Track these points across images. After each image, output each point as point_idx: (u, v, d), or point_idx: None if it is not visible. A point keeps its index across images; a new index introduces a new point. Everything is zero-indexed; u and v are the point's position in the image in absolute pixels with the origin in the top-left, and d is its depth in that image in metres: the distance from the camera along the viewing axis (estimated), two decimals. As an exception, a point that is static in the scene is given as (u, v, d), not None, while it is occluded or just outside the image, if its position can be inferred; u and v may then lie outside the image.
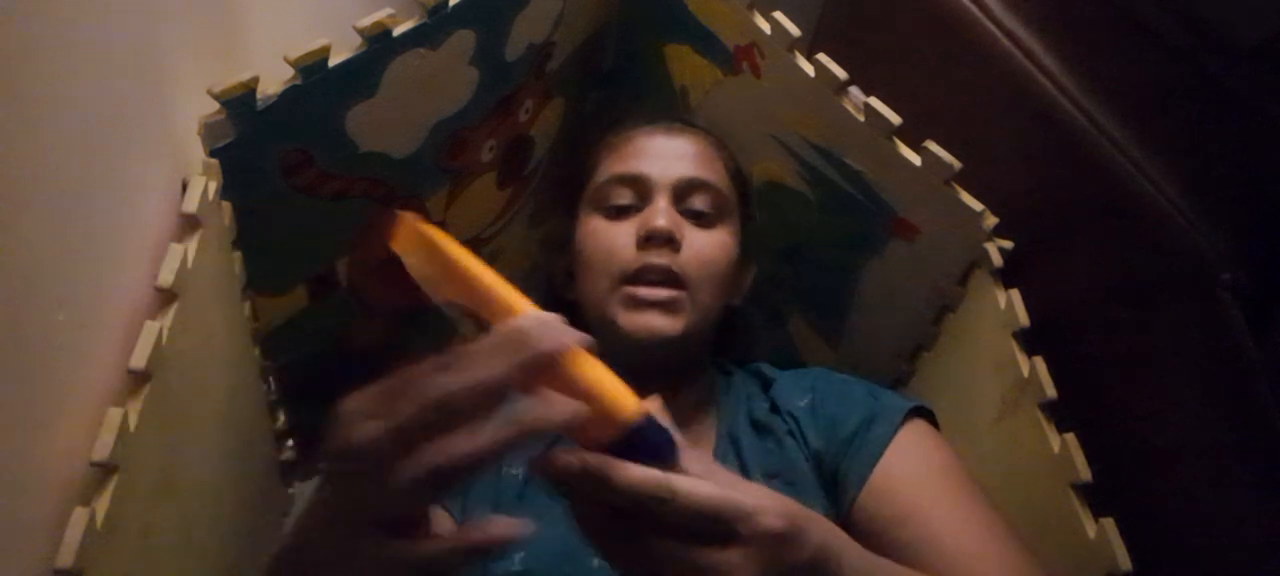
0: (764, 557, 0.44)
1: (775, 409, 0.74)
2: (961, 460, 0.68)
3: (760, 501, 0.44)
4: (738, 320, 0.83)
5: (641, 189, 0.74)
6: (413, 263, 0.59)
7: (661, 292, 0.70)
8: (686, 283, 0.70)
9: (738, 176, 0.79)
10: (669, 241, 0.70)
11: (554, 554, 0.67)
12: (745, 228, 0.78)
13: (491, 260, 0.86)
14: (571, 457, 0.43)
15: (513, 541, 0.42)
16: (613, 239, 0.73)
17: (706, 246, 0.72)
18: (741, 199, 0.79)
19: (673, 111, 0.84)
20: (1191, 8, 0.60)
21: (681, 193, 0.73)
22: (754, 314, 0.89)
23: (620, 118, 0.82)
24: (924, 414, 0.71)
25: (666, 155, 0.75)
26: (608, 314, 0.72)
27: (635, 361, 0.68)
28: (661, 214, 0.71)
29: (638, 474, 0.42)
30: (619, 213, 0.74)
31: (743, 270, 0.79)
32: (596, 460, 0.42)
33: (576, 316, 0.75)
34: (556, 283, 0.83)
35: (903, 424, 0.68)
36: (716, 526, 0.43)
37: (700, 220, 0.73)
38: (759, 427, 0.73)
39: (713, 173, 0.75)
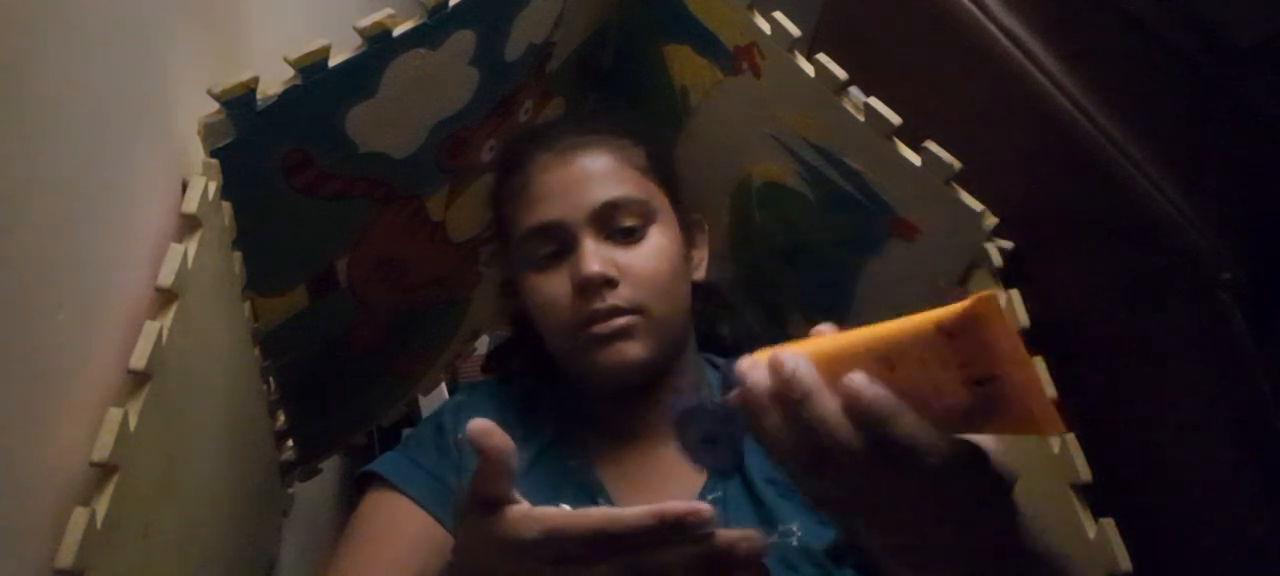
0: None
1: None
2: None
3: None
4: (715, 295, 0.83)
5: (561, 234, 0.71)
6: None
7: (616, 322, 0.69)
8: (637, 307, 0.70)
9: (655, 157, 0.76)
10: (604, 284, 0.69)
11: None
12: (678, 203, 0.77)
13: (490, 263, 0.87)
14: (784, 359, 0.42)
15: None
16: (551, 293, 0.71)
17: (644, 263, 0.71)
18: (666, 181, 0.76)
19: (672, 113, 0.84)
20: (1191, 8, 0.60)
21: (602, 219, 0.71)
22: (751, 313, 0.89)
23: (513, 148, 0.77)
24: None
25: (572, 186, 0.71)
26: (577, 360, 0.72)
27: (620, 384, 0.72)
28: (589, 258, 0.69)
29: (870, 392, 0.40)
30: (548, 262, 0.72)
31: (694, 249, 0.78)
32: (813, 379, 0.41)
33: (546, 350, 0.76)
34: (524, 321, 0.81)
35: None
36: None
37: (630, 237, 0.71)
38: None
39: (626, 183, 0.72)
